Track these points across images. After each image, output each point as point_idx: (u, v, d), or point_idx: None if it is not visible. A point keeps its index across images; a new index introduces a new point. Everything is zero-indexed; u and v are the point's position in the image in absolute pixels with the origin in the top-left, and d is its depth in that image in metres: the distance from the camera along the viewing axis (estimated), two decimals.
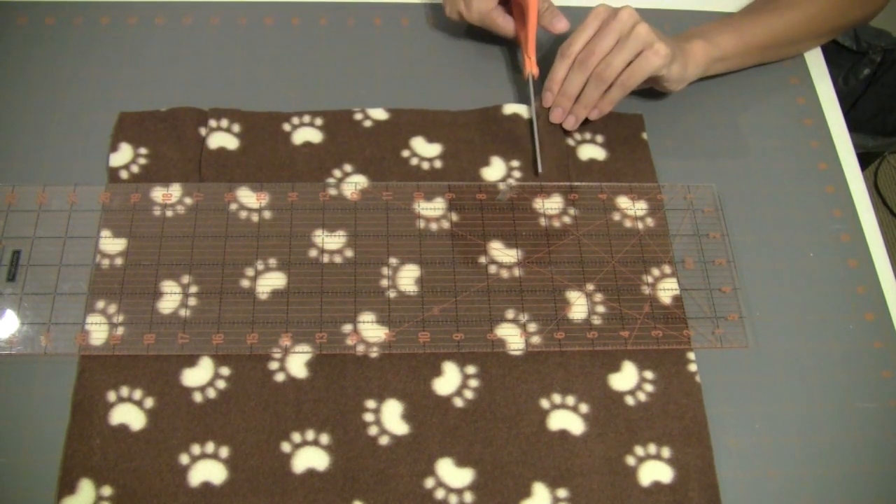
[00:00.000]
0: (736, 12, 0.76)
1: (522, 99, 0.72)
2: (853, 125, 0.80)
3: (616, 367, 0.60)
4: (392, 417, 0.57)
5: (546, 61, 0.70)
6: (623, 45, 0.63)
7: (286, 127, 0.68)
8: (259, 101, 0.69)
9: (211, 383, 0.57)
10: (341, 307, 0.60)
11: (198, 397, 0.57)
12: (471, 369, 0.59)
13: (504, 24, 0.71)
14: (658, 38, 0.64)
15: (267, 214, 0.64)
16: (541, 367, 0.59)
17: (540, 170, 0.67)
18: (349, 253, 0.63)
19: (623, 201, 0.67)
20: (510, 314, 0.61)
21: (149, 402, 0.56)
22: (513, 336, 0.60)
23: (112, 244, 0.62)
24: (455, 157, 0.68)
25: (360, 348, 0.59)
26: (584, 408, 0.58)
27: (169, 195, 0.64)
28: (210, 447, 0.55)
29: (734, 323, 0.62)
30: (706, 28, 0.71)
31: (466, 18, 0.71)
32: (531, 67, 0.70)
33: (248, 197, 0.64)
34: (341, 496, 0.54)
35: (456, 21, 0.72)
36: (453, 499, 0.55)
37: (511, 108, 0.70)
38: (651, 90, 0.72)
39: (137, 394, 0.56)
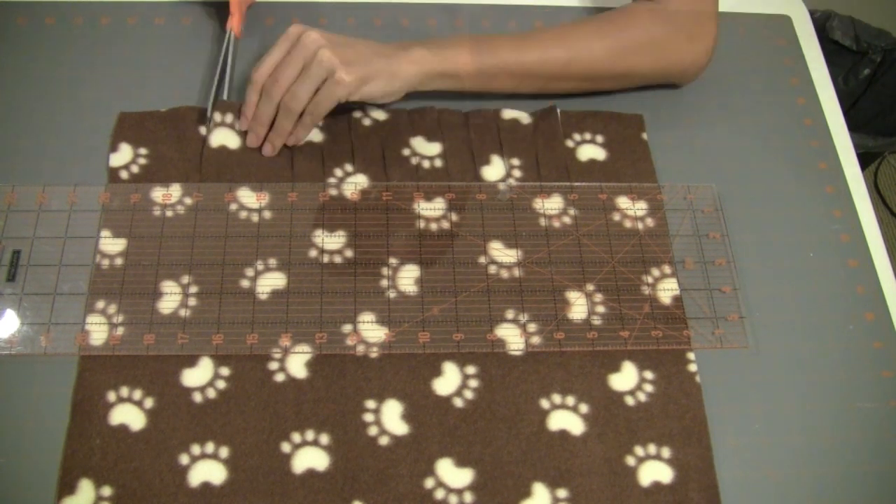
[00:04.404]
0: (530, 31, 0.71)
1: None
2: (853, 125, 0.80)
3: (616, 368, 0.60)
4: (392, 417, 0.57)
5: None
6: (307, 73, 0.61)
7: None
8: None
9: (211, 383, 0.57)
10: (341, 307, 0.60)
11: (198, 397, 0.57)
12: (471, 369, 0.59)
13: None
14: (342, 63, 0.61)
15: (267, 214, 0.64)
16: (541, 368, 0.59)
17: (226, 95, 0.67)
18: (349, 253, 0.63)
19: (623, 201, 0.67)
20: (510, 314, 0.61)
21: (149, 403, 0.56)
22: (513, 336, 0.60)
23: (112, 244, 0.62)
24: (455, 156, 0.68)
25: (360, 348, 0.59)
26: (583, 408, 0.58)
27: (169, 195, 0.64)
28: (210, 447, 0.55)
29: (734, 323, 0.62)
30: (454, 39, 0.66)
31: None
32: (234, 26, 0.70)
33: (248, 197, 0.64)
34: (341, 496, 0.54)
35: None
36: (453, 499, 0.55)
37: (509, 114, 0.70)
38: (651, 88, 0.72)
39: (137, 394, 0.56)
